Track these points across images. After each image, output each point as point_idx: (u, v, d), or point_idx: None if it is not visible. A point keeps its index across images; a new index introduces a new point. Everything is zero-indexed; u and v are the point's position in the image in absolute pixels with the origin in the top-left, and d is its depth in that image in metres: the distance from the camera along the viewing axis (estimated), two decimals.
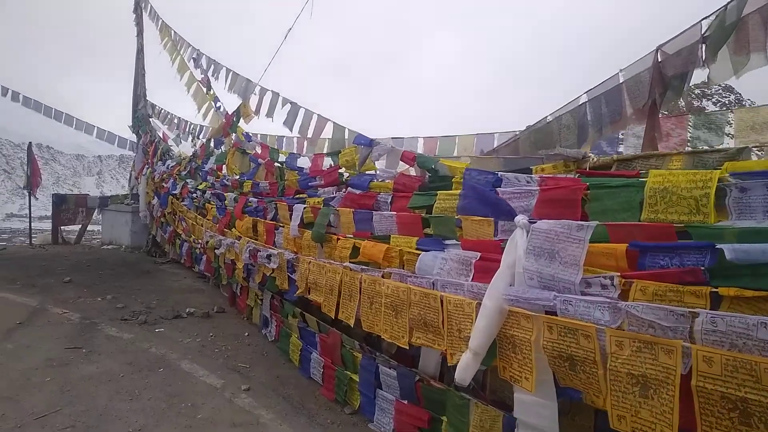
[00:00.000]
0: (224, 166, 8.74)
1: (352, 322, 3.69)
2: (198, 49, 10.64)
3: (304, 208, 4.93)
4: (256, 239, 6.31)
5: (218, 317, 7.87)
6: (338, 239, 4.27)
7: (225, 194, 7.67)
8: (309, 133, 6.19)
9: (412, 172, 4.29)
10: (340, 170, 5.10)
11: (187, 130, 14.20)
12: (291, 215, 5.48)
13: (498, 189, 2.98)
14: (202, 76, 10.35)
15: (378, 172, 4.31)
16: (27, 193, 14.97)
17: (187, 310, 7.93)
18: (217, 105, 9.43)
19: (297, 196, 5.83)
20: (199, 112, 11.35)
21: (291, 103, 6.49)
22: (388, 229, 3.73)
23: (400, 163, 4.27)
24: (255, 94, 7.63)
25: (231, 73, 8.76)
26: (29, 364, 5.50)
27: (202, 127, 13.49)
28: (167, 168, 11.89)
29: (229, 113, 8.30)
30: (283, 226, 5.50)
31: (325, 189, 5.22)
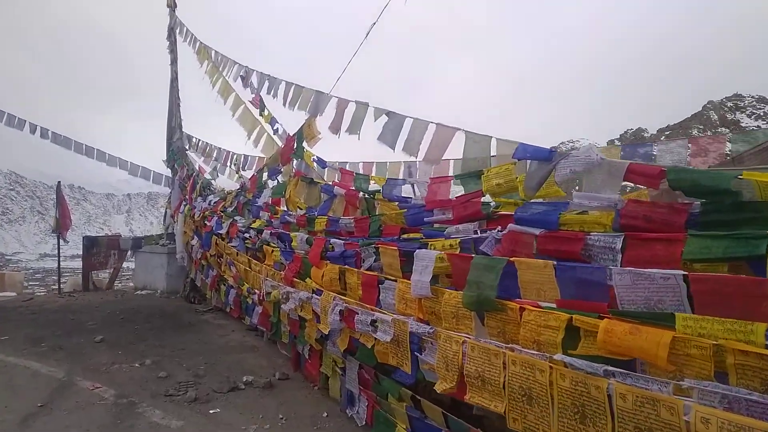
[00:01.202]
0: (283, 199, 7.28)
1: None
2: (246, 66, 9.33)
3: (438, 255, 3.35)
4: (345, 294, 4.76)
5: (283, 387, 6.32)
6: (523, 309, 2.67)
7: (291, 234, 6.18)
8: (421, 151, 4.67)
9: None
10: (483, 198, 3.55)
11: (230, 161, 12.91)
12: (402, 264, 3.94)
13: None
14: (253, 95, 9.02)
15: (576, 199, 2.71)
16: (56, 237, 13.78)
17: (245, 379, 6.42)
18: (275, 127, 8.01)
19: (405, 236, 4.28)
20: (249, 138, 10.00)
21: (388, 113, 5.02)
22: (656, 300, 2.11)
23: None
24: (321, 111, 6.18)
25: (293, 87, 7.36)
26: None
27: (247, 157, 12.16)
28: (209, 204, 10.52)
29: (291, 135, 6.90)
30: (393, 280, 3.93)
31: (459, 227, 3.64)
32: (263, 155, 10.50)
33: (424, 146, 4.62)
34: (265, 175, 8.07)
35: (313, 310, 5.20)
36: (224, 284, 9.71)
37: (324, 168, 6.21)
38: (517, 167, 3.23)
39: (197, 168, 13.97)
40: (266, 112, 8.38)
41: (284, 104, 7.50)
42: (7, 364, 7.10)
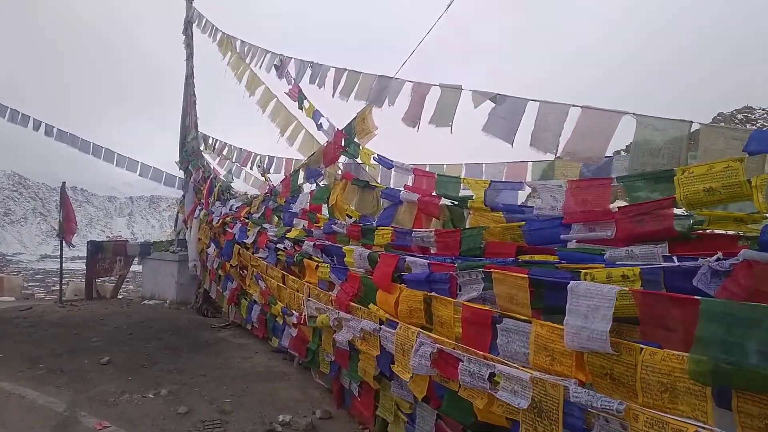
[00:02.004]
0: (324, 206, 6.26)
1: None
2: (281, 54, 8.27)
3: (619, 291, 2.30)
4: (430, 329, 3.72)
5: (328, 431, 5.28)
6: None
7: (343, 248, 5.13)
8: (559, 145, 3.58)
9: None
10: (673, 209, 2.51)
11: (250, 163, 11.88)
12: (529, 297, 2.90)
13: None
14: (290, 86, 7.95)
15: None
16: (60, 241, 12.70)
17: (281, 419, 5.38)
18: (319, 121, 6.93)
19: (523, 258, 3.23)
20: (282, 135, 8.91)
21: (496, 97, 3.89)
22: None
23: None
24: (392, 101, 5.11)
25: (347, 73, 6.25)
26: None
27: (272, 158, 11.11)
28: (230, 210, 9.48)
29: (340, 130, 5.86)
30: (525, 321, 2.87)
31: (633, 250, 2.59)
32: (292, 157, 9.53)
33: (563, 138, 3.55)
34: (300, 177, 7.03)
35: (381, 345, 4.15)
36: (246, 298, 8.68)
37: (389, 168, 5.16)
38: (747, 165, 2.20)
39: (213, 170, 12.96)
40: (307, 105, 7.31)
41: (333, 94, 6.45)
42: (0, 393, 6.05)
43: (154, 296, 13.31)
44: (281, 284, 6.64)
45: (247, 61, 9.57)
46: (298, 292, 6.06)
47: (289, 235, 6.62)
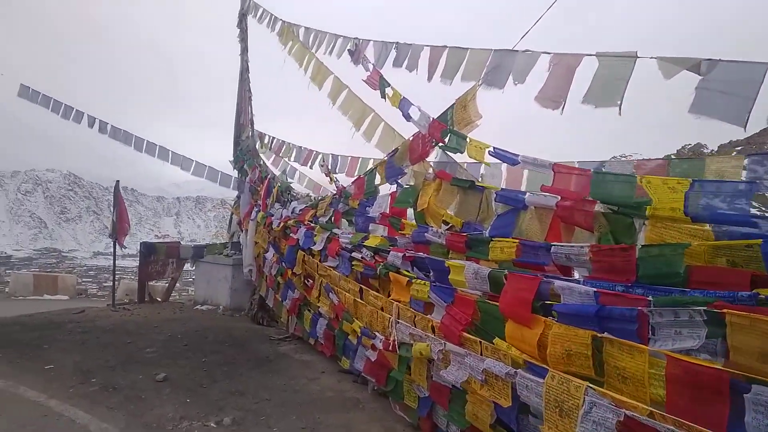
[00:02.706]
0: (411, 210, 5.35)
1: None
2: (356, 38, 7.39)
3: None
4: (599, 381, 2.73)
5: None
6: None
7: (450, 263, 4.19)
8: None
9: None
10: None
11: (311, 162, 11.12)
12: None
13: None
14: (368, 73, 7.02)
15: None
16: (113, 242, 12.24)
17: None
18: (408, 111, 5.84)
19: (765, 292, 2.22)
20: (357, 130, 7.98)
21: (701, 65, 2.90)
22: None
23: None
24: (521, 79, 4.12)
25: (447, 50, 5.28)
26: None
27: (336, 156, 10.30)
28: (292, 213, 8.70)
29: (435, 119, 4.93)
30: None
31: None
32: (358, 155, 8.68)
33: None
34: (377, 177, 6.15)
35: (517, 395, 3.19)
36: (309, 310, 7.87)
37: (514, 164, 4.16)
38: None
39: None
40: (390, 92, 6.31)
41: (430, 78, 5.51)
42: (48, 413, 5.39)
43: (207, 301, 12.75)
44: (358, 299, 5.77)
45: (313, 50, 8.76)
46: (382, 310, 5.17)
47: (367, 242, 5.75)
